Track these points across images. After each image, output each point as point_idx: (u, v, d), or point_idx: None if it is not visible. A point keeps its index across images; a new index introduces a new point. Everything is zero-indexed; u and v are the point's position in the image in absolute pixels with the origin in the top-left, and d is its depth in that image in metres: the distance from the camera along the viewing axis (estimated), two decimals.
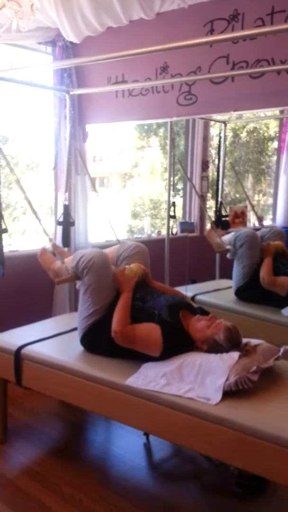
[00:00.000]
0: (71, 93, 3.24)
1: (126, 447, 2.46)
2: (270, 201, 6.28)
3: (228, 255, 3.55)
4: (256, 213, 4.79)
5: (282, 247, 3.39)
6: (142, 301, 2.21)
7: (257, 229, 3.71)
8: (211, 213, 4.70)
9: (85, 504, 2.04)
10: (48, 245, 2.73)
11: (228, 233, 3.76)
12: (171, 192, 3.60)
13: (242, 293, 3.34)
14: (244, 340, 2.07)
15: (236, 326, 2.07)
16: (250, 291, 3.27)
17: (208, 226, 4.79)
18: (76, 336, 2.37)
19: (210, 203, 5.02)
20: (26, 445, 2.48)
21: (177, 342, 2.03)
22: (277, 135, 6.06)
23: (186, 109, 3.08)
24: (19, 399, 2.88)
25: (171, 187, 3.60)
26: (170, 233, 3.64)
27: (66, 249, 3.23)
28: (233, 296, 3.41)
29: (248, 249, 3.34)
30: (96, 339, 2.25)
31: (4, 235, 2.69)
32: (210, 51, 2.83)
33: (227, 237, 3.57)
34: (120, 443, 2.51)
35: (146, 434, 2.51)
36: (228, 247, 3.50)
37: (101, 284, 2.27)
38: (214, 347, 1.99)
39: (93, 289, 2.26)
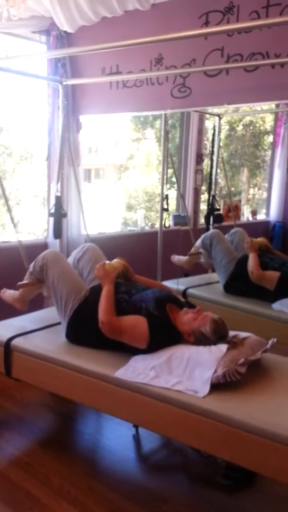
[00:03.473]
0: (64, 83, 3.21)
1: (115, 439, 2.48)
2: (265, 195, 6.28)
3: (201, 259, 3.70)
4: (231, 210, 4.83)
5: (265, 243, 3.46)
6: (127, 295, 2.22)
7: (248, 224, 3.77)
8: (204, 206, 4.70)
9: (73, 495, 2.05)
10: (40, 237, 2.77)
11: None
12: (166, 185, 3.60)
13: (231, 287, 3.36)
14: (233, 333, 2.08)
15: (226, 319, 2.08)
16: (238, 284, 3.30)
17: (201, 220, 4.80)
18: None
19: (205, 197, 5.01)
20: (16, 436, 2.48)
21: (164, 335, 2.04)
22: (273, 129, 6.05)
23: (180, 101, 3.06)
24: (9, 390, 2.89)
25: (165, 180, 3.60)
26: (163, 226, 3.64)
27: (57, 240, 3.23)
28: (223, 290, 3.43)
29: (218, 243, 3.48)
30: (81, 332, 2.27)
31: None
32: (205, 43, 2.81)
33: (197, 243, 3.71)
34: (109, 435, 2.52)
35: (136, 426, 2.52)
36: (200, 250, 3.63)
37: (63, 272, 2.38)
38: (201, 340, 2.01)
39: (58, 279, 2.35)
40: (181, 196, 4.58)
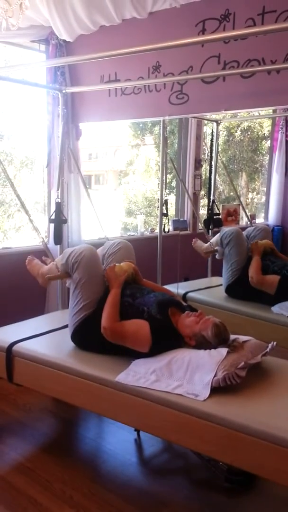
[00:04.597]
0: (64, 91, 3.25)
1: (117, 443, 2.49)
2: (264, 199, 6.32)
3: (217, 256, 3.66)
4: (245, 212, 4.85)
5: (270, 245, 3.45)
6: (131, 298, 2.23)
7: (243, 228, 3.79)
8: (204, 211, 4.73)
9: (76, 499, 2.06)
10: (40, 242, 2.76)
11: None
12: (165, 190, 3.62)
13: (232, 291, 3.37)
14: (233, 337, 2.09)
15: (226, 323, 2.09)
16: (239, 288, 3.31)
17: (200, 225, 4.83)
18: (68, 333, 2.38)
19: (204, 202, 5.05)
20: (18, 441, 2.49)
21: (166, 339, 2.05)
22: (270, 134, 6.09)
23: (178, 108, 3.10)
24: (11, 395, 2.90)
25: (164, 185, 3.63)
26: (162, 231, 3.66)
27: (58, 246, 3.25)
28: (224, 294, 3.44)
29: (234, 246, 3.41)
30: (87, 335, 2.28)
31: None
32: (201, 50, 2.84)
33: (214, 239, 3.68)
34: (111, 439, 2.53)
35: (137, 430, 2.53)
36: (216, 248, 3.60)
37: (91, 278, 2.31)
38: (202, 343, 2.02)
39: (83, 283, 2.30)
40: (189, 199, 4.64)
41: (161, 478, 2.25)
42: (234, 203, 5.59)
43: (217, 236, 3.60)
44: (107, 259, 2.55)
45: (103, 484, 2.16)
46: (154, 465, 2.37)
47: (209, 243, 3.74)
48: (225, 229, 3.60)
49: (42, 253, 2.99)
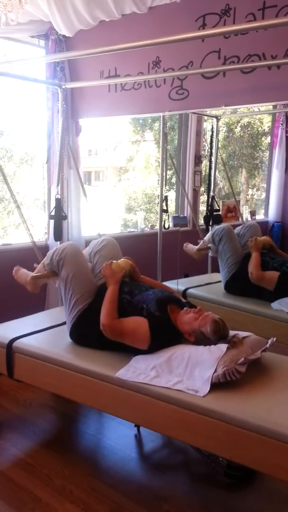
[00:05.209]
0: (63, 86, 3.24)
1: (117, 439, 2.49)
2: (264, 195, 6.31)
3: (210, 253, 3.72)
4: (239, 210, 4.87)
5: (269, 241, 3.46)
6: (130, 295, 2.23)
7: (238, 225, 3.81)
8: (204, 207, 4.72)
9: (76, 494, 2.07)
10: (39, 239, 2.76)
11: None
12: (165, 187, 3.62)
13: (231, 287, 3.38)
14: (232, 332, 2.10)
15: (226, 319, 2.09)
16: (238, 283, 3.31)
17: (201, 221, 4.82)
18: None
19: (204, 198, 5.04)
20: (18, 437, 2.50)
21: (165, 336, 2.05)
22: (270, 130, 6.08)
23: (178, 103, 3.09)
24: (11, 391, 2.91)
25: (164, 182, 3.62)
26: (162, 227, 3.66)
27: (58, 242, 3.25)
28: (224, 290, 3.44)
29: (227, 241, 3.45)
30: (85, 332, 2.28)
31: None
32: (202, 45, 2.83)
33: (206, 237, 3.71)
34: (111, 435, 2.54)
35: (137, 426, 2.54)
36: (209, 245, 3.62)
37: (78, 271, 2.35)
38: (202, 339, 2.02)
39: (72, 278, 2.32)
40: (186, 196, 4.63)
41: (161, 473, 2.26)
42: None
43: (209, 234, 3.64)
44: (93, 257, 2.56)
45: (103, 479, 2.17)
46: (154, 460, 2.38)
47: (202, 241, 3.75)
48: (216, 226, 3.63)
49: (41, 250, 2.99)
